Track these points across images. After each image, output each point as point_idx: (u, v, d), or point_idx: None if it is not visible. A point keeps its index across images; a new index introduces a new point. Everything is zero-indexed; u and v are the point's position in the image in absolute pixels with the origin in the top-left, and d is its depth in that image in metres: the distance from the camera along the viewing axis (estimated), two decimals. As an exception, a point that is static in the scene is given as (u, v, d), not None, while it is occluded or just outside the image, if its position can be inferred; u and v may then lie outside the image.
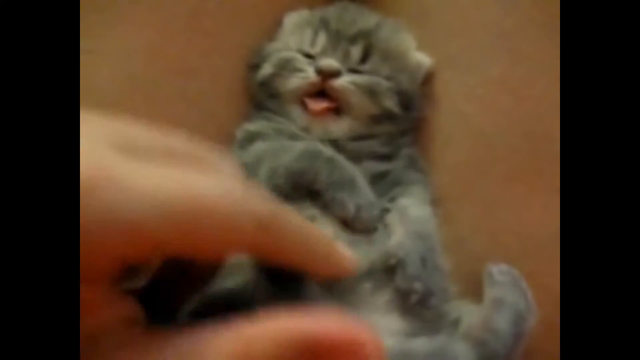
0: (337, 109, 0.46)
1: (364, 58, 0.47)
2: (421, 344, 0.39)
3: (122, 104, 0.43)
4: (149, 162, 0.25)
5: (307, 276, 0.37)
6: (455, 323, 0.42)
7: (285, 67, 0.47)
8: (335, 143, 0.45)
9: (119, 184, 0.24)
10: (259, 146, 0.45)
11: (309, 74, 0.46)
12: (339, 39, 0.47)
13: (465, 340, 0.41)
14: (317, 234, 0.31)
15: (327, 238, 0.33)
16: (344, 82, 0.45)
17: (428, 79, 0.49)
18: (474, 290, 0.43)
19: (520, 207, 0.44)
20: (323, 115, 0.46)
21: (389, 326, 0.40)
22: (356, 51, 0.47)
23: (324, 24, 0.48)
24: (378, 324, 0.40)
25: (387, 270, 0.41)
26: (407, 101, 0.47)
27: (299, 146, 0.44)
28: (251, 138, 0.46)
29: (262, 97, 0.49)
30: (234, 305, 0.37)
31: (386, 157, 0.47)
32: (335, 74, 0.45)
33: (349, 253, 0.33)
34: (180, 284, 0.32)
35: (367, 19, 0.48)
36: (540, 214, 0.43)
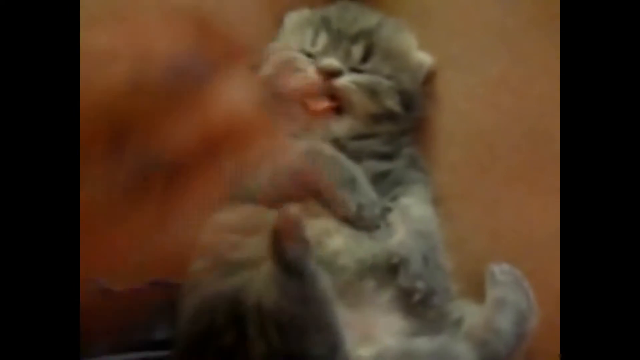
0: (338, 109, 0.46)
1: (365, 57, 0.47)
2: (423, 343, 0.39)
3: None
4: None
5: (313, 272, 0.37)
6: (457, 323, 0.42)
7: (286, 66, 0.47)
8: (336, 142, 0.45)
9: None
10: None
11: (310, 74, 0.46)
12: (340, 39, 0.47)
13: (467, 340, 0.41)
14: None
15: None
16: (345, 81, 0.45)
17: (429, 78, 0.49)
18: (476, 290, 0.43)
19: (521, 207, 0.44)
20: (324, 114, 0.46)
21: (392, 325, 0.40)
22: (357, 50, 0.47)
23: (325, 23, 0.48)
24: (381, 323, 0.40)
25: (390, 268, 0.41)
26: (408, 100, 0.47)
27: (300, 145, 0.44)
28: None
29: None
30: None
31: (387, 157, 0.47)
32: (337, 73, 0.45)
33: None
34: None
35: (368, 19, 0.48)
36: (540, 213, 0.43)
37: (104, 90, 0.25)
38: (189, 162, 0.27)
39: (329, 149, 0.44)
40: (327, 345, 0.37)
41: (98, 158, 0.25)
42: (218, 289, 0.39)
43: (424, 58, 0.49)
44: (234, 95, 0.27)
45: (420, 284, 0.40)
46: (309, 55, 0.47)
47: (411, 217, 0.43)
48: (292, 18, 0.50)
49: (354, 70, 0.46)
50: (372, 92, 0.46)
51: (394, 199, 0.44)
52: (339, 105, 0.46)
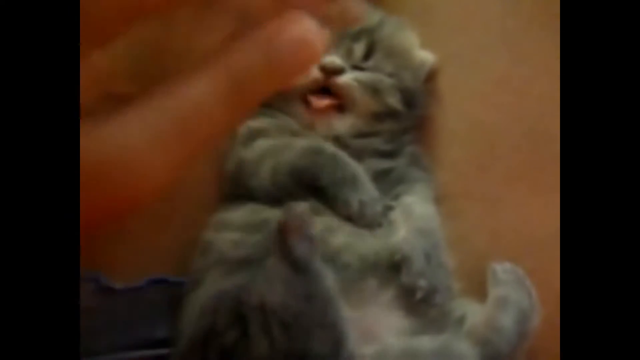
0: (340, 106, 0.46)
1: (367, 55, 0.47)
2: (425, 342, 0.39)
3: None
4: None
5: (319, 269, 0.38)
6: (459, 321, 0.42)
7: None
8: (338, 140, 0.45)
9: None
10: (261, 143, 0.45)
11: (312, 72, 0.46)
12: (342, 37, 0.47)
13: (469, 338, 0.41)
14: None
15: None
16: (347, 79, 0.45)
17: (431, 76, 0.49)
18: (477, 288, 0.43)
19: (522, 205, 0.44)
20: (326, 112, 0.46)
21: (394, 324, 0.40)
22: (359, 48, 0.47)
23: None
24: (383, 321, 0.40)
25: (392, 266, 0.41)
26: (409, 98, 0.47)
27: (301, 143, 0.44)
28: (254, 135, 0.46)
29: None
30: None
31: (389, 155, 0.47)
32: (339, 71, 0.45)
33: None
34: None
35: (371, 17, 0.48)
36: (541, 211, 0.43)
37: None
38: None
39: (330, 147, 0.44)
40: (330, 343, 0.37)
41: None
42: (220, 287, 0.40)
43: (425, 56, 0.49)
44: None
45: (422, 282, 0.40)
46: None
47: (413, 215, 0.43)
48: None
49: (356, 68, 0.46)
50: (374, 89, 0.46)
51: (396, 197, 0.44)
52: (341, 103, 0.46)
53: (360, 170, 0.44)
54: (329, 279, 0.38)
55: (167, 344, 0.42)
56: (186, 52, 0.38)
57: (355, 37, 0.47)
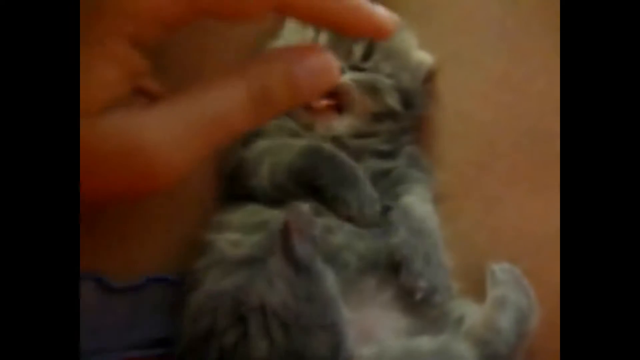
0: (339, 107, 0.46)
1: (366, 56, 0.47)
2: (424, 342, 0.39)
3: None
4: None
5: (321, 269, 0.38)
6: (458, 322, 0.42)
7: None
8: (337, 140, 0.45)
9: None
10: (260, 143, 0.45)
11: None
12: (341, 37, 0.47)
13: (467, 339, 0.40)
14: None
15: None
16: (346, 79, 0.45)
17: (430, 76, 0.49)
18: (476, 288, 0.43)
19: (522, 205, 0.44)
20: (325, 112, 0.46)
21: (393, 324, 0.40)
22: (358, 49, 0.47)
23: None
24: (382, 321, 0.40)
25: (391, 267, 0.41)
26: (408, 99, 0.47)
27: (300, 143, 0.44)
28: (253, 135, 0.46)
29: None
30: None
31: (388, 155, 0.47)
32: None
33: (387, 12, 0.35)
34: None
35: None
36: (541, 211, 0.43)
37: None
38: None
39: (329, 147, 0.44)
40: (330, 344, 0.37)
41: None
42: (220, 287, 0.40)
43: (424, 57, 0.49)
44: None
45: (422, 283, 0.40)
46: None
47: (412, 216, 0.43)
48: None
49: (355, 68, 0.46)
50: (372, 90, 0.46)
51: (395, 197, 0.44)
52: (340, 103, 0.46)
53: (359, 170, 0.44)
54: (330, 279, 0.38)
55: (166, 344, 0.42)
56: (204, 56, 0.39)
57: (354, 38, 0.47)
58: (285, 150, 0.44)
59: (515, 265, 0.43)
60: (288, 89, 0.32)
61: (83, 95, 0.28)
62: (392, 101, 0.46)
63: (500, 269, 0.43)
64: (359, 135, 0.46)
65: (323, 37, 0.47)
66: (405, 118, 0.47)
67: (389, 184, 0.45)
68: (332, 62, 0.33)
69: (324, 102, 0.45)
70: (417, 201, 0.44)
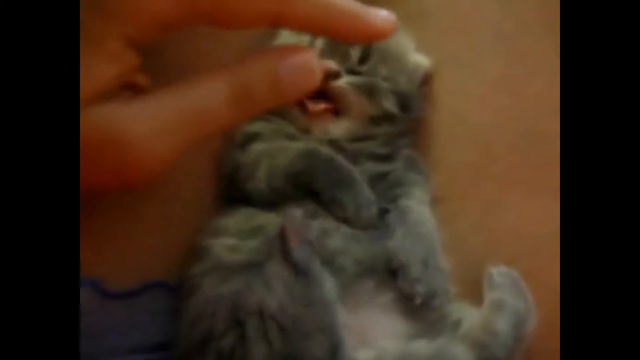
0: (336, 110, 0.46)
1: (363, 59, 0.47)
2: (422, 346, 0.39)
3: None
4: None
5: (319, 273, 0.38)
6: (456, 325, 0.42)
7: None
8: (334, 144, 0.45)
9: None
10: (257, 147, 0.45)
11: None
12: (337, 41, 0.47)
13: (465, 342, 0.40)
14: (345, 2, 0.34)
15: (356, 2, 0.35)
16: (342, 83, 0.45)
17: (427, 79, 0.49)
18: (474, 291, 0.43)
19: (520, 207, 0.44)
20: (322, 116, 0.46)
21: (390, 327, 0.40)
22: (355, 52, 0.47)
23: None
24: (379, 324, 0.40)
25: (389, 271, 0.41)
26: (405, 102, 0.47)
27: (297, 146, 0.44)
28: (250, 139, 0.46)
29: None
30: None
31: (385, 158, 0.47)
32: (334, 75, 0.45)
33: (384, 12, 0.36)
34: None
35: None
36: (539, 213, 0.43)
37: None
38: None
39: (326, 150, 0.44)
40: (328, 347, 0.37)
41: None
42: (217, 292, 0.39)
43: (421, 60, 0.49)
44: None
45: (420, 288, 0.40)
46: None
47: (409, 219, 0.43)
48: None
49: (352, 72, 0.46)
50: (369, 93, 0.46)
51: (392, 200, 0.44)
52: (337, 107, 0.46)
53: (356, 172, 0.44)
54: (328, 283, 0.38)
55: (164, 348, 0.41)
56: (202, 56, 0.40)
57: None
58: (282, 153, 0.44)
59: (514, 267, 0.43)
60: (270, 88, 0.33)
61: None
62: (389, 104, 0.46)
63: (497, 272, 0.43)
64: (356, 138, 0.46)
65: (320, 40, 0.47)
66: (402, 121, 0.47)
67: (386, 187, 0.45)
68: (315, 62, 0.34)
69: (321, 106, 0.45)
70: (414, 204, 0.44)
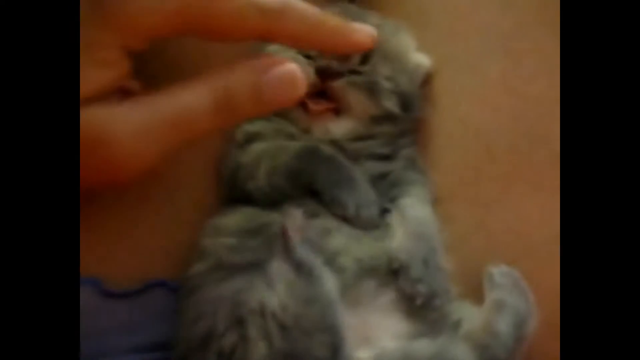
0: (337, 110, 0.46)
1: (364, 59, 0.47)
2: (422, 346, 0.39)
3: None
4: None
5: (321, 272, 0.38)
6: (456, 325, 0.42)
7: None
8: (335, 143, 0.45)
9: None
10: (258, 146, 0.45)
11: (309, 75, 0.45)
12: None
13: (466, 342, 0.41)
14: (327, 16, 0.38)
15: (338, 18, 0.39)
16: (343, 82, 0.45)
17: (427, 79, 0.49)
18: (474, 291, 0.43)
19: (520, 207, 0.44)
20: (323, 115, 0.46)
21: (391, 327, 0.40)
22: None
23: None
24: (380, 324, 0.40)
25: (390, 270, 0.41)
26: (406, 102, 0.47)
27: (297, 146, 0.44)
28: (250, 138, 0.46)
29: None
30: None
31: (386, 158, 0.47)
32: (335, 74, 0.45)
33: (364, 27, 0.40)
34: None
35: (367, 20, 0.48)
36: (540, 213, 0.43)
37: None
38: None
39: (327, 149, 0.44)
40: (329, 347, 0.37)
41: None
42: (218, 291, 0.40)
43: (422, 60, 0.49)
44: None
45: (421, 288, 0.40)
46: (308, 56, 0.47)
47: (410, 219, 0.43)
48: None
49: (353, 71, 0.46)
50: (370, 93, 0.46)
51: (393, 200, 0.44)
52: (338, 106, 0.46)
53: (356, 172, 0.44)
54: (330, 282, 0.38)
55: (165, 348, 0.41)
56: (204, 59, 0.41)
57: None
58: (283, 152, 0.44)
59: (514, 267, 0.43)
60: (252, 98, 0.35)
61: None
62: (390, 104, 0.46)
63: (498, 272, 0.43)
64: (357, 138, 0.46)
65: None
66: (403, 121, 0.47)
67: (387, 187, 0.45)
68: (298, 74, 0.36)
69: (322, 106, 0.45)
70: (415, 203, 0.44)
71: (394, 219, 0.43)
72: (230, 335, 0.38)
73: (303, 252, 0.39)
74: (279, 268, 0.38)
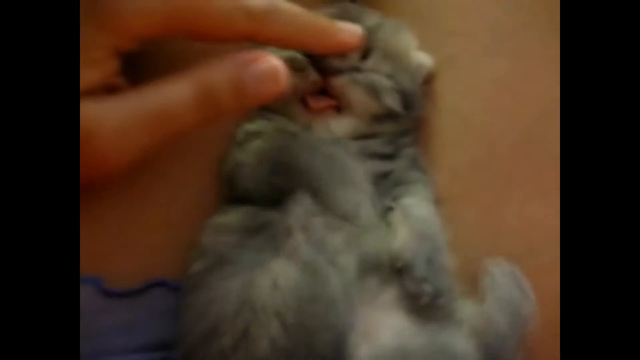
0: (338, 108, 0.46)
1: (365, 57, 0.47)
2: (424, 344, 0.39)
3: None
4: None
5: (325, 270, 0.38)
6: (458, 323, 0.42)
7: (286, 66, 0.47)
8: (336, 142, 0.45)
9: None
10: (258, 145, 0.45)
11: (310, 73, 0.45)
12: None
13: (466, 340, 0.40)
14: (313, 17, 0.39)
15: (325, 19, 0.40)
16: (344, 80, 0.45)
17: (429, 78, 0.49)
18: (475, 290, 0.43)
19: (521, 207, 0.44)
20: (324, 113, 0.46)
21: (394, 324, 0.40)
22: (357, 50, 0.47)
23: None
24: (383, 321, 0.40)
25: (393, 269, 0.41)
26: (408, 100, 0.47)
27: (298, 144, 0.44)
28: (251, 137, 0.46)
29: None
30: None
31: (388, 157, 0.46)
32: (336, 72, 0.45)
33: (351, 27, 0.41)
34: None
35: (368, 19, 0.48)
36: (541, 213, 0.43)
37: None
38: None
39: (327, 148, 0.44)
40: (332, 344, 0.37)
41: None
42: (220, 289, 0.40)
43: (423, 58, 0.49)
44: None
45: (426, 287, 0.40)
46: (309, 55, 0.47)
47: (413, 218, 0.43)
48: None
49: (354, 69, 0.46)
50: (371, 90, 0.46)
51: (395, 198, 0.44)
52: (339, 104, 0.46)
53: (356, 170, 0.44)
54: (334, 280, 0.38)
55: (166, 348, 0.42)
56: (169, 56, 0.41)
57: None
58: (283, 150, 0.44)
59: (515, 267, 0.43)
60: (233, 93, 0.35)
61: None
62: (392, 102, 0.46)
63: (499, 271, 0.43)
64: (358, 136, 0.46)
65: None
66: (405, 119, 0.47)
67: (389, 185, 0.45)
68: (279, 69, 0.36)
69: (323, 103, 0.45)
70: (417, 202, 0.44)
71: (396, 217, 0.43)
72: (231, 334, 0.38)
73: (305, 251, 0.39)
74: (283, 267, 0.38)
